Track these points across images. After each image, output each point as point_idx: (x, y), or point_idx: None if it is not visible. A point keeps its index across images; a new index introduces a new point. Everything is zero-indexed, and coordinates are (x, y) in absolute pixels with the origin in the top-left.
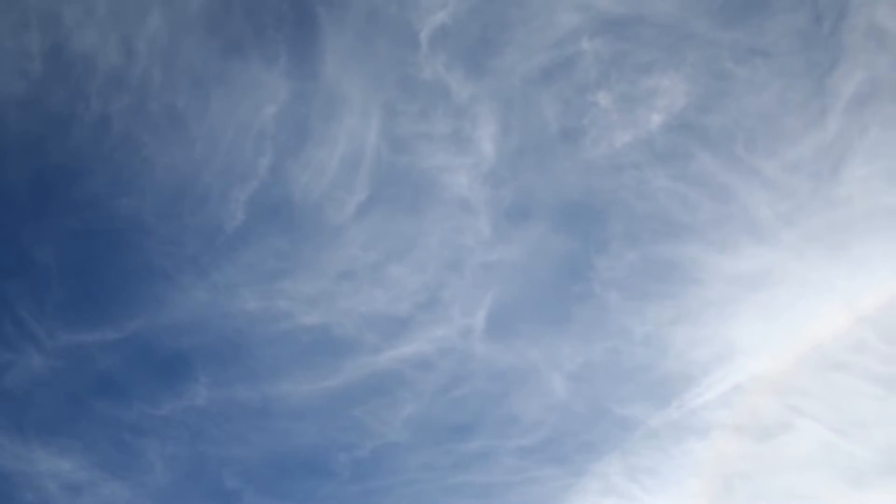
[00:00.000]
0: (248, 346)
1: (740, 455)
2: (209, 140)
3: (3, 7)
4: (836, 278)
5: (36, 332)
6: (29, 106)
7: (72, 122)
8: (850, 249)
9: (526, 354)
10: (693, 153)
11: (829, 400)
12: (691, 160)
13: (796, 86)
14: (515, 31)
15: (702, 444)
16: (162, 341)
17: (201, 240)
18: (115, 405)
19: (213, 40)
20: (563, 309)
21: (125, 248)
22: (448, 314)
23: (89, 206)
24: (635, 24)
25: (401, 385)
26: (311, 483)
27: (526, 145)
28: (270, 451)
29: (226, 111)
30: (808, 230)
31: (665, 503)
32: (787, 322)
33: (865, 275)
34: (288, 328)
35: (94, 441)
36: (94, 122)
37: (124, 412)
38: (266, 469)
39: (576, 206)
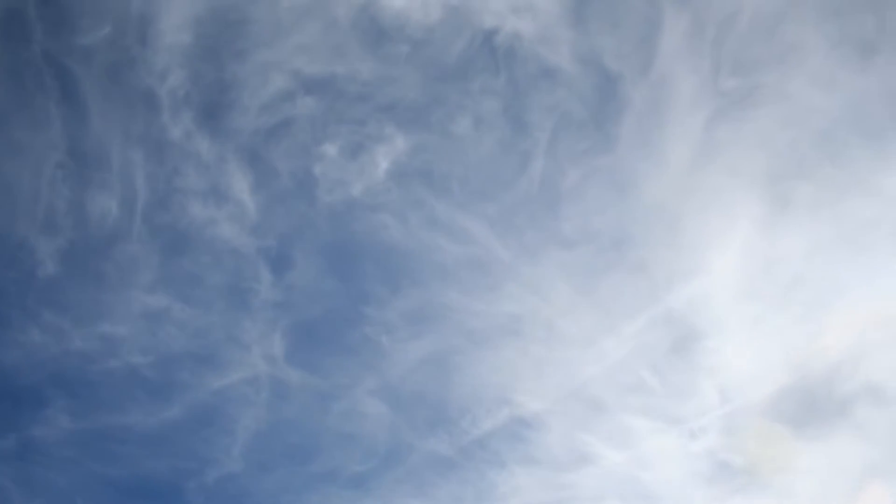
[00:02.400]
0: (84, 381)
1: (538, 486)
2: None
3: None
4: (584, 316)
5: None
6: None
7: None
8: (595, 290)
9: (329, 379)
10: (424, 199)
11: (616, 435)
12: (423, 205)
13: (501, 135)
14: (239, 92)
15: (500, 475)
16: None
17: (20, 286)
18: None
19: None
20: (344, 343)
21: None
22: (248, 347)
23: None
24: (340, 82)
25: (226, 415)
26: None
27: (276, 197)
28: (117, 480)
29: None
30: (547, 269)
31: None
32: (559, 363)
33: (605, 312)
34: (116, 365)
35: None
36: None
37: None
38: (117, 498)
39: (332, 252)
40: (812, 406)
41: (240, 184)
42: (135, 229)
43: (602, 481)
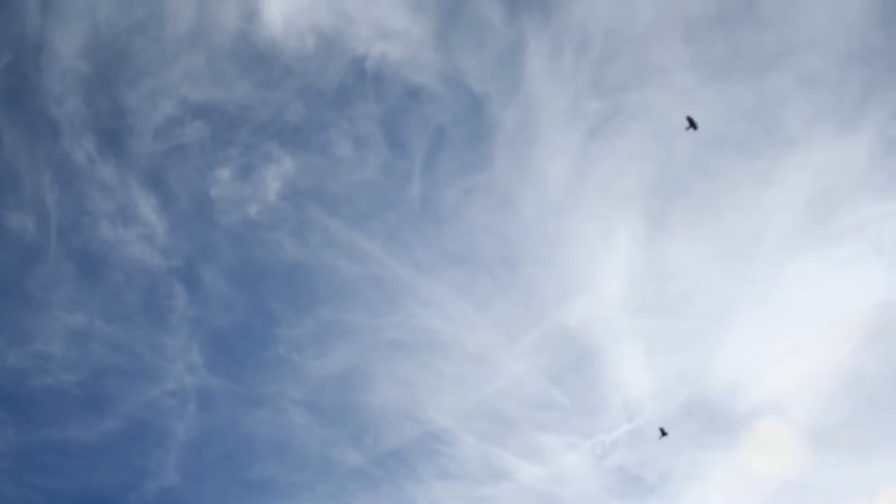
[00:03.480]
0: (21, 397)
1: (456, 500)
2: None
3: None
4: (481, 332)
5: None
6: None
7: None
8: (489, 307)
9: (252, 388)
10: (317, 219)
11: (529, 451)
12: (317, 225)
13: (380, 156)
14: (133, 118)
15: (418, 489)
16: None
17: None
18: None
19: None
20: (260, 359)
21: None
22: (171, 360)
23: None
24: (224, 107)
25: (158, 427)
26: None
27: (179, 219)
28: (61, 494)
29: None
30: (441, 287)
31: None
32: (462, 379)
33: (501, 328)
34: (50, 382)
35: None
36: None
37: None
38: None
39: (238, 272)
40: (715, 419)
41: (145, 206)
42: (51, 250)
43: (519, 496)
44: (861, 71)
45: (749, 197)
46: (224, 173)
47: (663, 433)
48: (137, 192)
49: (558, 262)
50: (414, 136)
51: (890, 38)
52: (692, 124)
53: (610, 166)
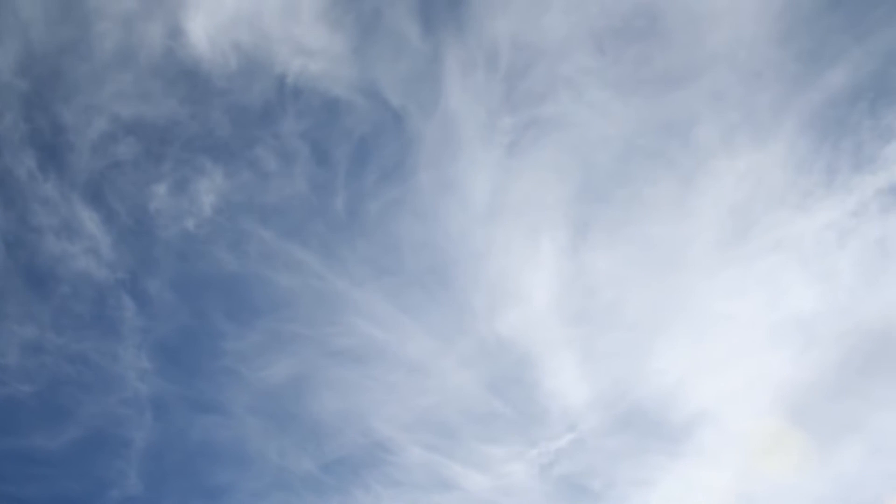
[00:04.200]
0: None
1: None
2: None
3: None
4: (420, 343)
5: None
6: None
7: None
8: (425, 317)
9: (205, 394)
10: (252, 231)
11: (475, 461)
12: (252, 238)
13: (306, 170)
14: (70, 134)
15: (367, 497)
16: None
17: None
18: None
19: None
20: (209, 369)
21: None
22: (124, 369)
23: None
24: (156, 124)
25: (117, 436)
26: None
27: (122, 233)
28: (30, 500)
29: None
30: (378, 297)
31: None
32: (404, 389)
33: (438, 339)
34: (8, 392)
35: None
36: None
37: None
38: None
39: (182, 285)
40: (653, 428)
41: (89, 221)
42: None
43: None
44: (769, 88)
45: (671, 206)
46: (160, 188)
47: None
48: (80, 208)
49: (487, 273)
50: (336, 149)
51: (792, 57)
52: None
53: (531, 179)
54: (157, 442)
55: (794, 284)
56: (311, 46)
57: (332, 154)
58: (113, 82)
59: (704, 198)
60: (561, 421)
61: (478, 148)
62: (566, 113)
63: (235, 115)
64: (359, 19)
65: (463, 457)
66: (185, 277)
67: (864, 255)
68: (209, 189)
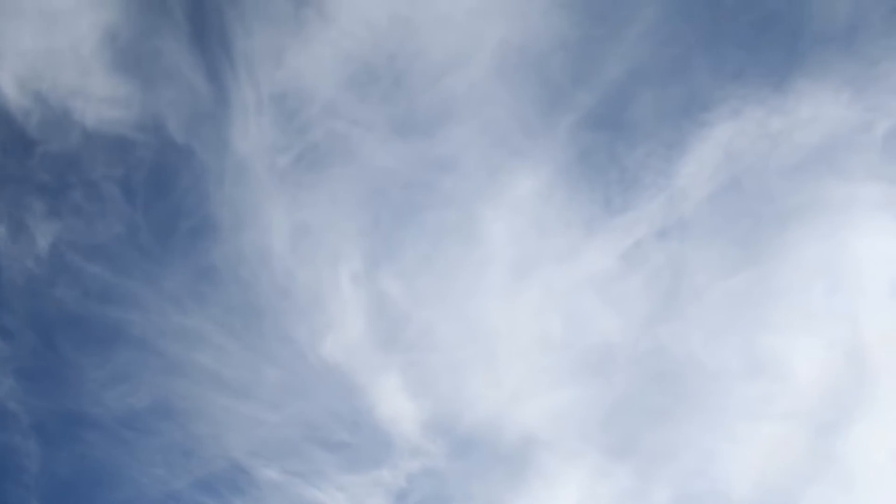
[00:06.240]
0: None
1: None
2: None
3: None
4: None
5: None
6: None
7: None
8: (256, 348)
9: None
10: (88, 270)
11: (341, 491)
12: (90, 277)
13: (116, 207)
14: None
15: None
16: None
17: None
18: None
19: None
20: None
21: None
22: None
23: None
24: None
25: (10, 465)
26: None
27: None
28: None
29: None
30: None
31: None
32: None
33: (276, 367)
34: None
35: None
36: None
37: None
38: None
39: (37, 322)
40: (493, 453)
41: None
42: None
43: None
44: (513, 134)
45: (460, 235)
46: (1, 229)
47: None
48: None
49: (299, 306)
50: (139, 189)
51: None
52: None
53: (325, 211)
54: (48, 466)
55: (589, 311)
56: (102, 94)
57: (137, 193)
58: None
59: (490, 226)
60: (405, 447)
61: (270, 184)
62: (346, 150)
63: (50, 163)
64: (146, 66)
65: (323, 484)
66: (37, 315)
67: (652, 282)
68: (45, 231)
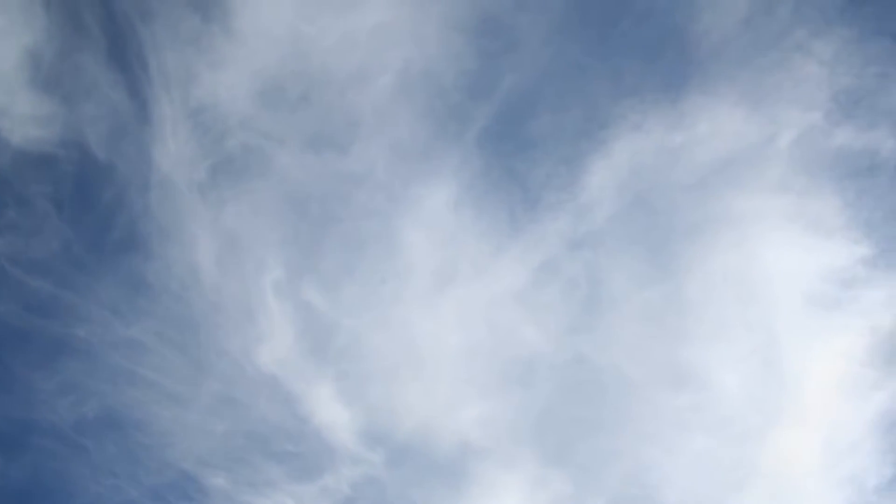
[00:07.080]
0: None
1: None
2: None
3: None
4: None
5: None
6: None
7: None
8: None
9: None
10: (31, 284)
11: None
12: (34, 290)
13: (55, 228)
14: None
15: None
16: None
17: None
18: None
19: None
20: None
21: None
22: None
23: None
24: None
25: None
26: None
27: None
28: None
29: None
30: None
31: None
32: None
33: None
34: None
35: None
36: None
37: None
38: None
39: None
40: (432, 462)
41: None
42: None
43: None
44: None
45: (379, 246)
46: None
47: None
48: None
49: (230, 318)
50: (68, 204)
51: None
52: None
53: (246, 224)
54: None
55: (510, 321)
56: (27, 113)
57: (66, 209)
58: None
59: (409, 237)
60: (346, 456)
61: (192, 198)
62: (261, 163)
63: None
64: (68, 84)
65: (271, 492)
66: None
67: (569, 293)
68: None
